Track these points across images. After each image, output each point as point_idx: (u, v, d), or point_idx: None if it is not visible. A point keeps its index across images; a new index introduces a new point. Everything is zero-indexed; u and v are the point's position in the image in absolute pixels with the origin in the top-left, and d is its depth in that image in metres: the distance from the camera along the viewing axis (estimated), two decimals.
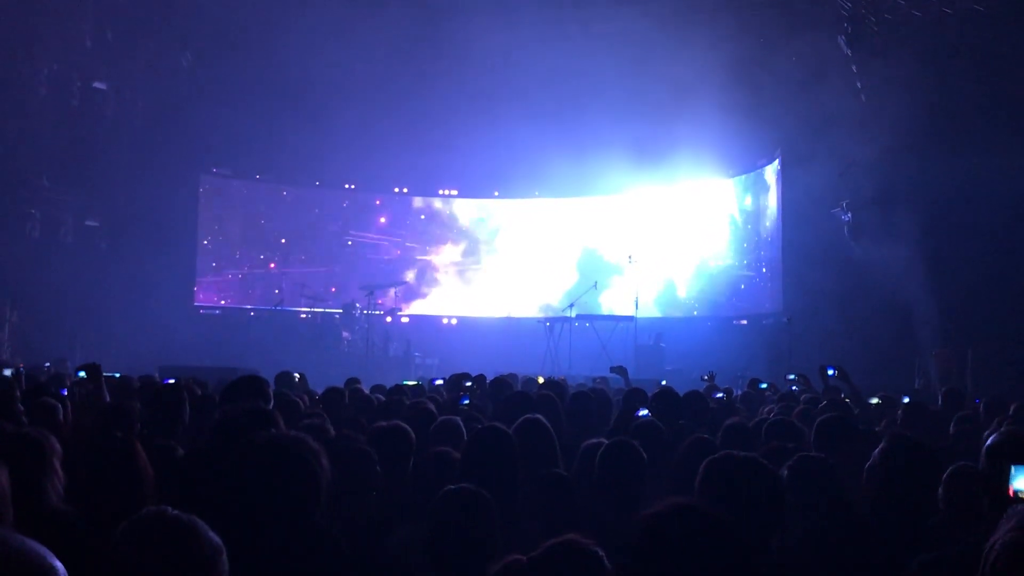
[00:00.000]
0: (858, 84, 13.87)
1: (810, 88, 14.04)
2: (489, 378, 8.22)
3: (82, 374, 6.87)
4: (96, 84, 16.95)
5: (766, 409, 7.49)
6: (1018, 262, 12.36)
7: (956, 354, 12.26)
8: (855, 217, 14.22)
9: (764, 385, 9.57)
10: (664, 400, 6.06)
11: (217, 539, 1.89)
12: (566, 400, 6.35)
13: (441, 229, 21.52)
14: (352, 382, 8.31)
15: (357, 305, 18.63)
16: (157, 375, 9.99)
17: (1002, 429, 4.54)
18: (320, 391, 7.68)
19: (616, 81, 16.47)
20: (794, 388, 8.79)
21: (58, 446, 3.37)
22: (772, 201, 16.96)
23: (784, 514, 2.90)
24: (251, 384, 4.41)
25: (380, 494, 3.97)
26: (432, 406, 5.80)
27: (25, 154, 15.87)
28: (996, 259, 12.51)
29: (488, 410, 6.65)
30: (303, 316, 19.28)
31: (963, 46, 13.07)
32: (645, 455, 4.08)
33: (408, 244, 21.37)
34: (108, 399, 6.40)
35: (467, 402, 7.01)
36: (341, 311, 18.90)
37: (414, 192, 21.38)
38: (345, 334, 18.51)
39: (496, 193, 21.23)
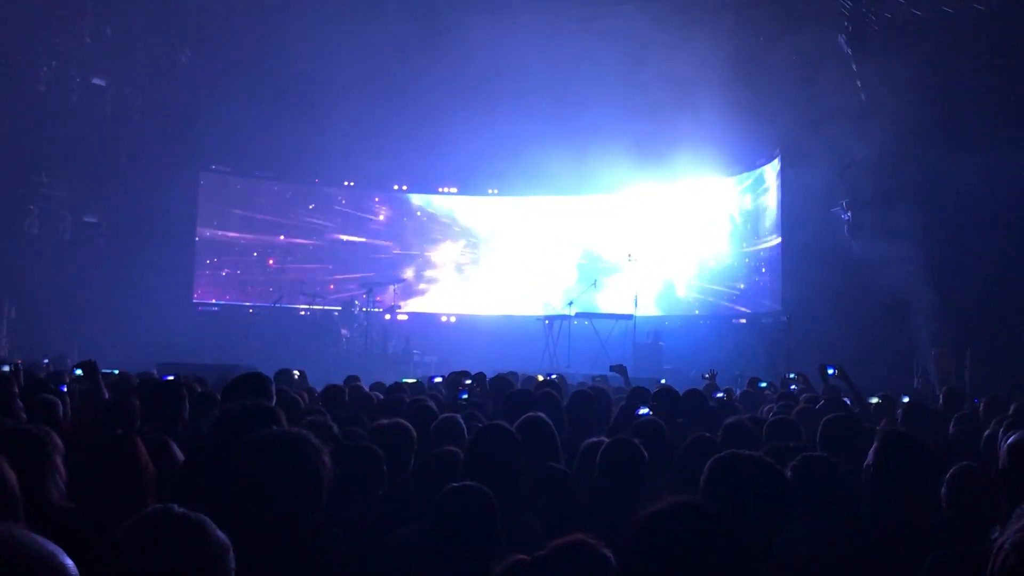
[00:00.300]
0: (858, 83, 13.86)
1: (810, 87, 14.03)
2: (488, 376, 8.23)
3: (78, 371, 6.86)
4: (95, 81, 16.97)
5: (765, 408, 7.50)
6: (1017, 262, 12.37)
7: (955, 354, 12.29)
8: (855, 216, 14.22)
9: (764, 384, 9.58)
10: (664, 399, 6.07)
11: (224, 537, 1.88)
12: (565, 398, 6.36)
13: (440, 227, 21.52)
14: (351, 379, 8.31)
15: (356, 302, 18.62)
16: (156, 372, 9.98)
17: (1012, 426, 4.54)
18: (319, 388, 7.69)
19: (615, 79, 16.42)
20: (793, 387, 8.79)
21: (60, 442, 3.36)
22: (772, 200, 16.94)
23: (789, 514, 2.90)
24: (253, 381, 4.39)
25: (383, 492, 3.97)
26: (432, 403, 5.79)
27: (24, 150, 15.88)
28: (995, 259, 12.52)
29: (488, 408, 6.65)
30: (302, 313, 19.26)
31: (964, 45, 13.08)
32: (646, 454, 4.08)
33: (407, 241, 21.36)
34: (106, 396, 6.39)
35: (465, 396, 7.02)
36: (340, 308, 18.89)
37: (413, 189, 21.37)
38: (344, 331, 18.50)
39: (495, 191, 21.22)
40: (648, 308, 18.21)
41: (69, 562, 1.40)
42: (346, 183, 20.96)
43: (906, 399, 7.02)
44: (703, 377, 10.19)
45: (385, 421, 4.52)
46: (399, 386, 7.92)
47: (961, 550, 2.90)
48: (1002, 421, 5.88)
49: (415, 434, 4.43)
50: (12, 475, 2.56)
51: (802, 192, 15.04)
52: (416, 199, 21.49)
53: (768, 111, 15.23)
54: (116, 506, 3.20)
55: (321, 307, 19.25)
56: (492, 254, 21.37)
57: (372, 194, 21.29)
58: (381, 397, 7.11)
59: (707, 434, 4.58)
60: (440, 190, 21.41)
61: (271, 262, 20.14)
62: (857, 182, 14.02)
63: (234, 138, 18.07)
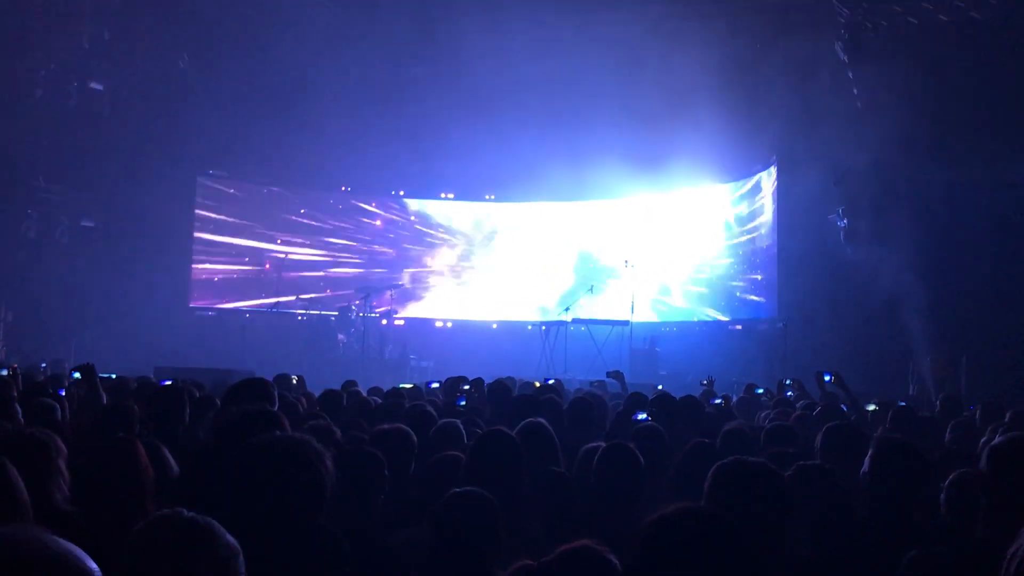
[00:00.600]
0: (854, 91, 13.92)
1: (806, 94, 14.10)
2: (485, 381, 8.23)
3: (76, 375, 6.87)
4: (93, 85, 16.96)
5: (762, 415, 7.52)
6: (1012, 269, 12.42)
7: (950, 360, 12.32)
8: (850, 223, 14.25)
9: (760, 390, 9.59)
10: (662, 405, 6.09)
11: (234, 541, 1.88)
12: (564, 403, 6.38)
13: (437, 232, 21.54)
14: (349, 384, 8.31)
15: (352, 307, 18.63)
16: (153, 376, 9.98)
17: (1007, 433, 4.57)
18: (316, 393, 7.69)
19: (612, 86, 16.47)
20: (789, 394, 8.80)
21: (63, 447, 3.38)
22: (767, 207, 16.98)
23: (792, 520, 2.92)
24: (255, 386, 4.40)
25: (384, 496, 3.98)
26: (431, 409, 5.80)
27: (22, 154, 15.88)
28: (990, 266, 12.57)
29: (486, 413, 6.67)
30: (298, 318, 19.26)
31: (960, 54, 13.14)
32: (642, 458, 4.10)
33: (404, 246, 21.38)
34: (104, 400, 6.39)
35: (463, 403, 7.03)
36: (336, 313, 18.89)
37: (411, 195, 21.40)
38: (340, 336, 18.49)
39: (492, 196, 21.25)
40: (644, 314, 18.23)
41: (93, 565, 1.41)
42: (343, 188, 20.96)
43: (902, 405, 7.02)
44: (701, 384, 10.20)
45: (386, 426, 4.54)
46: (397, 391, 7.92)
47: (938, 549, 2.95)
48: (998, 428, 5.91)
49: (415, 439, 4.44)
50: (19, 480, 2.57)
51: (797, 199, 15.08)
52: (413, 204, 21.51)
53: (764, 118, 15.25)
54: (117, 510, 3.22)
55: (318, 312, 19.24)
56: (489, 259, 21.39)
57: (369, 199, 21.30)
58: (379, 402, 7.11)
59: (706, 440, 4.60)
60: (438, 195, 21.43)
61: (267, 267, 20.13)
62: (853, 190, 14.06)
63: (231, 143, 18.09)
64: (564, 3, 16.55)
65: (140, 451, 3.47)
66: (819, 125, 13.63)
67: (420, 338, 19.41)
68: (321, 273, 20.51)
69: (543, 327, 17.47)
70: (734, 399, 9.45)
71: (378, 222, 21.33)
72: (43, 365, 11.20)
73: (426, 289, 21.27)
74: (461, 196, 21.37)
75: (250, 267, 20.16)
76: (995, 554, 2.81)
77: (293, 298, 19.23)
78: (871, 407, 7.64)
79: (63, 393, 6.75)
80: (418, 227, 21.48)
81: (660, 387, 10.41)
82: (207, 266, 19.84)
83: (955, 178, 12.39)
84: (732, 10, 15.91)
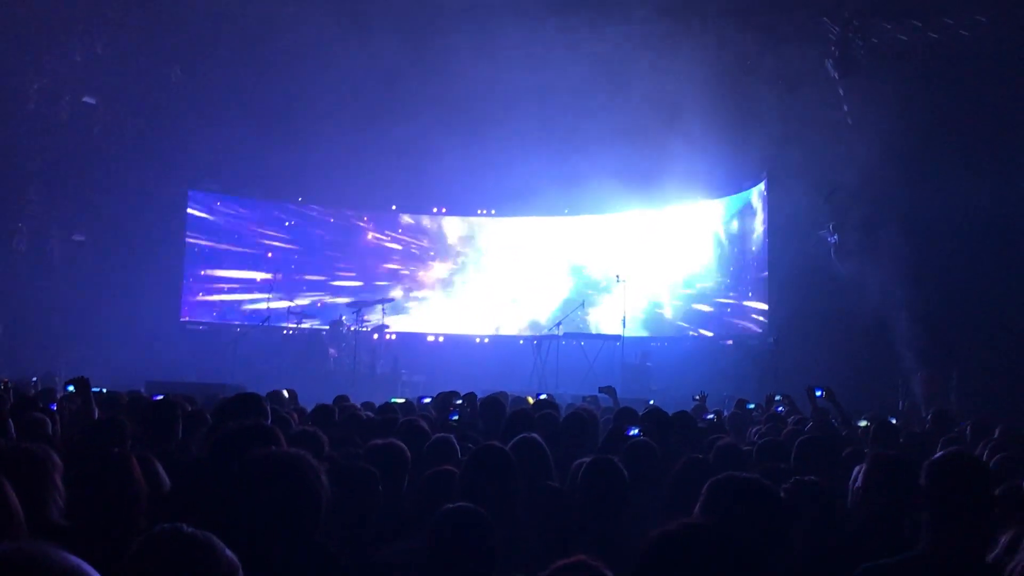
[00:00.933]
0: (845, 107, 14.00)
1: (796, 110, 14.17)
2: (477, 396, 8.24)
3: (71, 388, 6.86)
4: (85, 99, 16.97)
5: (753, 430, 7.54)
6: (1003, 285, 12.47)
7: (941, 376, 12.36)
8: (841, 239, 14.31)
9: (751, 406, 9.62)
10: (654, 420, 6.10)
11: (234, 556, 1.89)
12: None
13: (429, 246, 21.56)
14: (341, 399, 8.29)
15: (344, 320, 18.61)
16: (144, 391, 9.96)
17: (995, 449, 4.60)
18: (308, 408, 7.67)
19: (603, 103, 16.55)
20: (779, 409, 8.83)
21: (59, 461, 3.37)
22: (758, 222, 17.03)
23: (786, 535, 2.94)
24: (248, 401, 4.40)
25: (378, 511, 3.98)
26: (425, 424, 5.81)
27: (13, 168, 15.86)
28: (981, 281, 12.61)
29: (479, 428, 6.67)
30: (290, 332, 19.23)
31: (949, 71, 13.23)
32: (626, 471, 4.12)
33: (396, 261, 21.38)
34: (97, 414, 6.38)
35: (456, 418, 7.04)
36: (328, 328, 18.87)
37: (403, 209, 21.42)
38: (332, 351, 18.47)
39: (484, 211, 21.29)
40: (636, 329, 18.26)
41: None
42: (335, 203, 20.97)
43: (884, 421, 7.04)
44: (694, 399, 10.22)
45: (379, 441, 4.54)
46: (390, 406, 7.91)
47: (888, 561, 3.02)
48: (988, 443, 5.94)
49: (409, 454, 4.45)
50: (13, 495, 2.57)
51: (788, 214, 15.13)
52: (405, 218, 21.53)
53: (754, 134, 15.30)
54: (111, 525, 3.21)
55: (309, 326, 19.22)
56: (481, 274, 21.40)
57: (361, 213, 21.31)
58: (371, 416, 7.10)
59: (699, 455, 4.62)
60: (430, 210, 21.46)
61: (258, 280, 20.10)
62: (843, 205, 14.12)
63: (223, 157, 18.08)
64: (554, 21, 16.62)
65: (134, 465, 3.47)
66: (809, 141, 13.71)
67: (411, 353, 19.38)
68: (312, 286, 20.48)
69: (535, 341, 17.48)
70: (726, 414, 9.47)
71: (370, 236, 21.33)
72: (34, 379, 11.16)
73: (418, 303, 21.27)
74: (453, 211, 21.40)
75: (241, 281, 20.13)
76: (938, 566, 2.89)
77: (286, 306, 19.17)
78: (862, 423, 7.66)
79: (54, 407, 6.73)
80: (410, 242, 21.50)
81: (652, 402, 10.41)
82: (198, 280, 19.80)
83: (945, 194, 12.44)
84: (722, 27, 15.98)
